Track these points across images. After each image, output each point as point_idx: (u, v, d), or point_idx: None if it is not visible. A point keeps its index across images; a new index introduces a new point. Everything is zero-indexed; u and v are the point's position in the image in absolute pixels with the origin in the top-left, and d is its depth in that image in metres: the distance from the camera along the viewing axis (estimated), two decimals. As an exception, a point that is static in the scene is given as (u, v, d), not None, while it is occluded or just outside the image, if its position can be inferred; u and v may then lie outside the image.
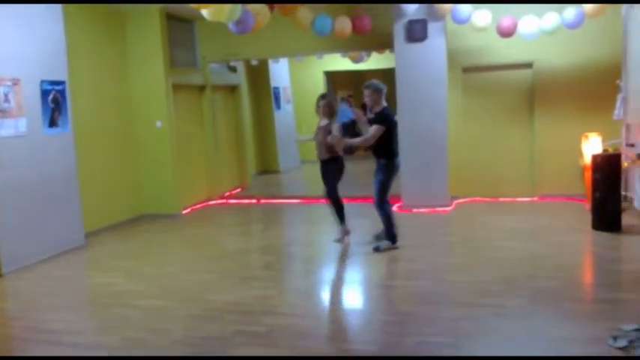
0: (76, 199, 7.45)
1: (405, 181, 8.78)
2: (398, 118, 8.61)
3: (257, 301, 5.14)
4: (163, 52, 8.96)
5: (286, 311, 4.91)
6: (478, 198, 9.12)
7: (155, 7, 8.79)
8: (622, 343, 3.78)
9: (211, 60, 10.26)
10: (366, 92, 6.49)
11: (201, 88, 10.33)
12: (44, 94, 6.94)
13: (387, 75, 12.27)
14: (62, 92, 7.22)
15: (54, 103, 7.08)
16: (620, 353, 3.70)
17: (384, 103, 6.51)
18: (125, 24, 8.98)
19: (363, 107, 12.03)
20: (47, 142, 7.00)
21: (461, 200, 9.05)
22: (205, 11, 6.16)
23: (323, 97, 6.81)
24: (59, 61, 7.21)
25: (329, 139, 6.43)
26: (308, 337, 4.33)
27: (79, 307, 5.38)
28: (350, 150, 8.49)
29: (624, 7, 7.93)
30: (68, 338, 4.51)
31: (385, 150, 6.45)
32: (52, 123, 7.07)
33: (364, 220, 7.27)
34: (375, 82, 6.57)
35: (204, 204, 10.16)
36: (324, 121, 6.68)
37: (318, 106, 6.73)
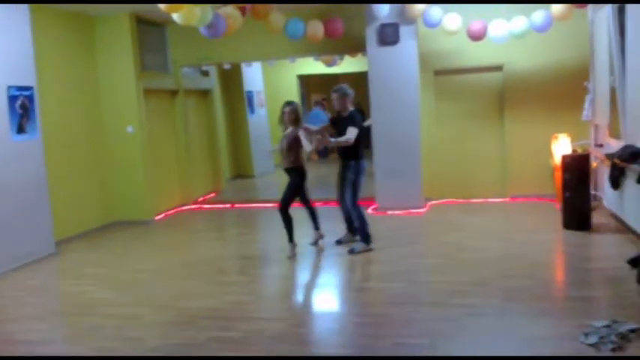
0: (45, 207, 7.31)
1: (379, 183, 8.84)
2: (372, 120, 8.71)
3: (232, 306, 5.10)
4: (134, 56, 8.86)
5: (261, 316, 4.89)
6: (451, 199, 9.21)
7: (125, 12, 8.69)
8: (593, 339, 3.85)
9: (183, 64, 10.19)
10: (335, 96, 6.62)
11: (174, 93, 10.24)
12: (11, 100, 6.81)
13: (360, 78, 12.35)
14: (30, 98, 7.09)
15: (22, 109, 6.95)
16: (591, 350, 3.76)
17: (351, 107, 6.65)
18: (94, 28, 8.86)
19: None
20: (15, 149, 6.86)
21: (434, 202, 9.12)
22: (176, 15, 6.12)
23: (289, 103, 6.70)
24: (27, 67, 7.07)
25: (313, 142, 6.50)
26: (283, 341, 4.32)
27: (51, 317, 5.27)
28: (325, 151, 8.55)
29: (590, 10, 8.10)
30: (40, 349, 4.43)
31: (355, 151, 6.54)
32: (20, 129, 6.93)
33: (340, 223, 7.27)
34: (344, 86, 6.68)
35: (177, 209, 10.06)
36: (290, 129, 6.56)
37: (283, 112, 6.56)
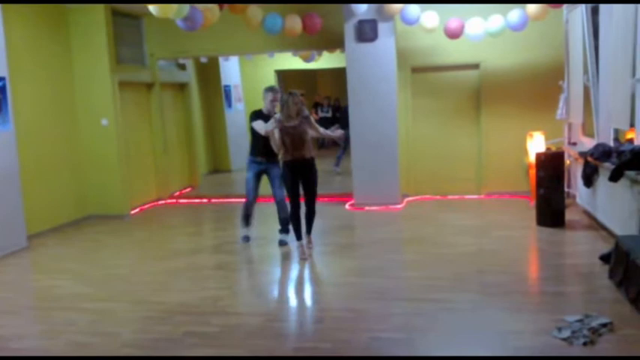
0: (17, 200, 7.18)
1: (356, 179, 8.86)
2: (350, 117, 8.76)
3: (208, 301, 5.07)
4: (109, 48, 8.73)
5: (237, 311, 4.87)
6: (428, 196, 9.27)
7: (100, 4, 8.56)
8: (566, 333, 3.91)
9: (160, 57, 10.07)
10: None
11: (149, 86, 10.12)
12: (-17, 90, 6.67)
13: (338, 74, 12.36)
14: (2, 89, 6.94)
15: (-7, 100, 6.81)
16: (564, 344, 3.82)
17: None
18: (68, 19, 8.70)
19: (315, 106, 12.13)
20: (-14, 140, 6.72)
21: (411, 198, 9.18)
22: (153, 7, 6.04)
23: (277, 90, 6.66)
24: (-2, 57, 6.93)
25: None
26: (260, 336, 4.30)
27: (23, 312, 5.18)
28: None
29: (565, 10, 8.21)
30: (11, 344, 4.35)
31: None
32: (-8, 121, 6.79)
33: (319, 219, 7.25)
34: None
35: (153, 204, 9.96)
36: (297, 120, 6.17)
37: (285, 101, 6.16)
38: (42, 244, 7.46)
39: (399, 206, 8.71)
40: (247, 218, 7.03)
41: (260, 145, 6.65)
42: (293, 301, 5.34)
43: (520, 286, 5.19)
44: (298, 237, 6.36)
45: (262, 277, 6.06)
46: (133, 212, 9.24)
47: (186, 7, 6.39)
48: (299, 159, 6.19)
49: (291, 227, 6.53)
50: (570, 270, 5.60)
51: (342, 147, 12.12)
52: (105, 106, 8.80)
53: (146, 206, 9.73)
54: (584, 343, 3.78)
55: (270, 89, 6.73)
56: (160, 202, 10.14)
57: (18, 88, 7.47)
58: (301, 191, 6.36)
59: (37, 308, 5.35)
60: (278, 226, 6.93)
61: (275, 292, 5.57)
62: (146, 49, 9.94)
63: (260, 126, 6.40)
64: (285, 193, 6.50)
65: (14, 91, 7.27)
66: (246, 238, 7.03)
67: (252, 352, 4.01)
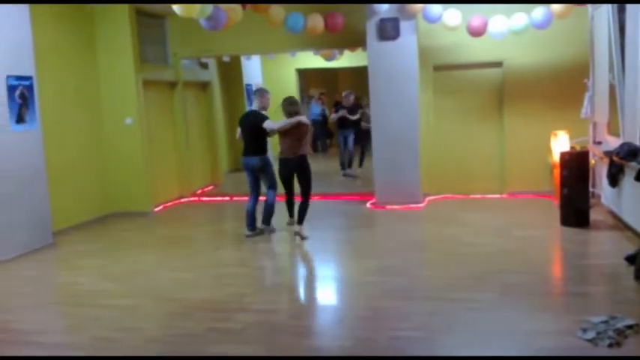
0: (44, 197, 7.30)
1: (377, 178, 8.85)
2: (371, 116, 8.77)
3: (231, 298, 5.11)
4: (133, 48, 8.84)
5: (260, 308, 4.90)
6: (449, 195, 9.22)
7: (125, 4, 8.66)
8: (591, 334, 3.87)
9: (183, 56, 10.16)
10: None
11: (173, 85, 10.22)
12: (11, 89, 6.79)
13: (359, 73, 12.34)
14: (29, 88, 7.07)
15: (21, 98, 6.93)
16: (588, 345, 3.78)
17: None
18: (94, 20, 8.83)
19: (336, 105, 12.12)
20: (15, 138, 6.85)
21: (432, 197, 9.14)
22: (177, 7, 6.11)
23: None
24: (26, 56, 7.05)
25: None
26: (282, 333, 4.33)
27: (48, 307, 5.28)
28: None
29: (590, 7, 8.10)
30: (37, 338, 4.44)
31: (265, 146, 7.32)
32: (20, 119, 6.92)
33: (341, 217, 7.30)
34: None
35: (176, 202, 10.07)
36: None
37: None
38: (67, 240, 7.58)
39: (420, 205, 8.68)
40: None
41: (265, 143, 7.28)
42: (314, 299, 5.36)
43: (543, 286, 5.14)
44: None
45: (284, 275, 6.09)
46: (156, 210, 9.34)
47: (209, 7, 6.45)
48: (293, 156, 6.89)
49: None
50: (594, 270, 5.53)
51: (342, 150, 11.97)
52: (129, 105, 8.91)
53: (169, 204, 9.84)
54: (610, 345, 3.74)
55: (266, 90, 7.56)
56: (183, 199, 10.24)
57: (44, 87, 7.60)
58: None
59: (62, 304, 5.44)
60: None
61: (297, 290, 5.59)
62: (169, 48, 10.04)
63: (275, 124, 6.98)
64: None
65: (41, 91, 7.39)
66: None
67: (274, 350, 4.03)
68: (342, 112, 11.85)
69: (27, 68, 7.06)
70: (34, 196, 7.13)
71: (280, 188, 7.27)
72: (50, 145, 7.64)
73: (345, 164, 12.00)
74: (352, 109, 11.87)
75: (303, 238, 6.88)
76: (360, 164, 12.18)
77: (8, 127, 6.76)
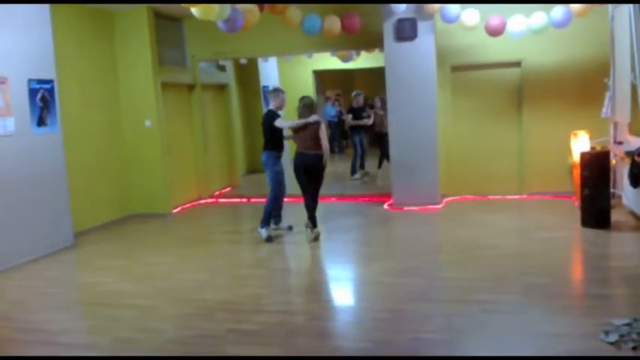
0: (64, 199, 7.39)
1: (395, 178, 8.82)
2: (389, 116, 8.74)
3: (249, 299, 5.13)
4: (152, 50, 8.91)
5: (278, 309, 4.90)
6: (468, 196, 9.16)
7: (143, 6, 8.74)
8: (613, 337, 3.82)
9: (200, 58, 10.22)
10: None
11: (191, 87, 10.29)
12: (32, 92, 6.88)
13: (377, 74, 12.31)
14: (50, 91, 7.16)
15: (42, 102, 7.02)
16: (611, 348, 3.73)
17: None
18: (113, 22, 8.93)
19: (352, 109, 12.10)
20: (36, 141, 6.94)
21: (451, 198, 9.09)
22: (195, 9, 6.14)
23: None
24: (47, 60, 7.14)
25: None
26: (300, 334, 4.33)
27: (70, 308, 5.33)
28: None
29: (610, 6, 8.00)
30: (60, 338, 4.49)
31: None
32: (41, 122, 7.01)
33: (358, 218, 7.29)
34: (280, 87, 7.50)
35: (194, 203, 10.12)
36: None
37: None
38: (87, 241, 7.66)
39: (438, 206, 8.64)
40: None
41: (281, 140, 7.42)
42: (333, 300, 5.35)
43: (564, 288, 5.09)
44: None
45: (302, 276, 6.10)
46: (174, 211, 9.41)
47: (227, 9, 6.47)
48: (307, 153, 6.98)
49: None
50: (616, 272, 5.46)
51: (358, 153, 11.83)
52: (148, 108, 8.99)
53: (187, 205, 9.90)
54: (634, 348, 3.68)
55: (282, 90, 7.62)
56: (201, 201, 10.30)
57: (65, 90, 7.69)
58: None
59: (83, 304, 5.50)
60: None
61: (315, 291, 5.59)
62: (187, 50, 10.10)
63: (285, 123, 7.22)
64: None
65: (61, 94, 7.48)
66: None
67: (292, 351, 4.04)
68: (346, 118, 12.14)
69: (48, 72, 7.15)
70: (55, 197, 7.21)
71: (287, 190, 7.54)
72: (71, 147, 7.73)
73: (357, 168, 11.87)
74: (362, 110, 11.81)
75: (313, 231, 7.00)
76: (379, 166, 12.10)
77: (30, 130, 6.84)
